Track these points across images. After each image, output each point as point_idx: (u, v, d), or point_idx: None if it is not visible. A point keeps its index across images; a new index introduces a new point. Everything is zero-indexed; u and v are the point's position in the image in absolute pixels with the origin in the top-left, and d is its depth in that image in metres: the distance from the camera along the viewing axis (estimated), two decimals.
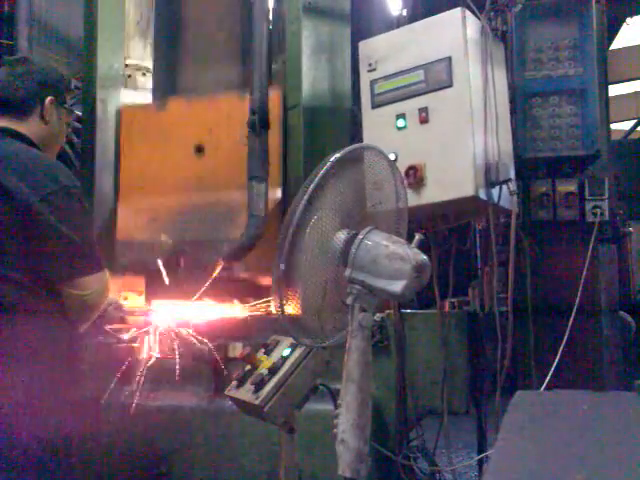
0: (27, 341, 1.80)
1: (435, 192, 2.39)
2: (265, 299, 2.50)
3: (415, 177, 2.38)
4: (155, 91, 3.48)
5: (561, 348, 2.51)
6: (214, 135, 3.16)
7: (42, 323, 1.83)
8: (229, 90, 3.25)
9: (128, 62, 3.52)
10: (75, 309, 1.88)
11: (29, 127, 1.98)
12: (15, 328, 1.79)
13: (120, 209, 3.24)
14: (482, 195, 2.35)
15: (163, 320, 2.65)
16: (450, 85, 2.40)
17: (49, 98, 2.01)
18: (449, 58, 2.40)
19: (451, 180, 2.36)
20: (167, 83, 3.42)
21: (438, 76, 2.42)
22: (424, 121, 2.44)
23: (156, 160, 3.21)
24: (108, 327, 2.54)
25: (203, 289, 2.62)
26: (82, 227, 1.88)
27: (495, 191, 2.40)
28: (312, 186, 1.50)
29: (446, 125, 2.40)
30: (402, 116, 2.49)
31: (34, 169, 1.84)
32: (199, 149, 3.17)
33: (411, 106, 2.47)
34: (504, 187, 2.42)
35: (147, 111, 3.36)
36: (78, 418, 1.95)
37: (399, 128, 2.50)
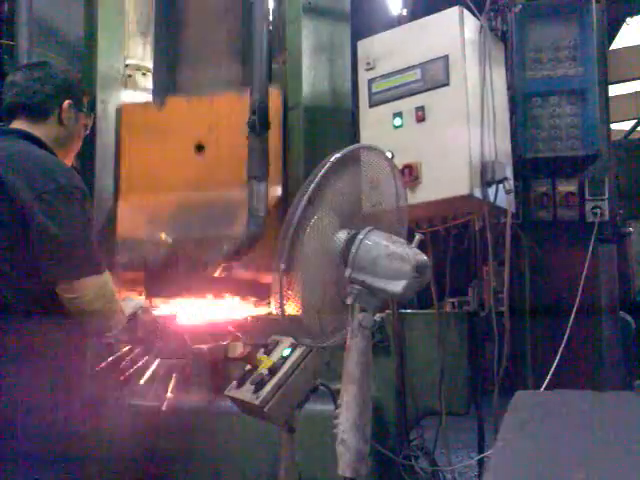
0: (21, 341, 1.79)
1: (430, 191, 2.39)
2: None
3: (411, 176, 2.39)
4: (155, 90, 3.48)
5: (561, 348, 2.51)
6: (214, 134, 3.15)
7: (37, 323, 1.82)
8: (228, 89, 3.25)
9: (128, 62, 3.52)
10: (74, 314, 1.85)
11: (46, 130, 1.99)
12: (9, 328, 1.78)
13: (120, 208, 3.23)
14: (477, 194, 2.35)
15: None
16: (447, 84, 2.40)
17: (67, 102, 2.03)
18: (446, 57, 2.40)
19: (446, 179, 2.36)
20: (167, 82, 3.41)
21: (435, 75, 2.42)
22: (421, 120, 2.44)
23: (155, 158, 3.21)
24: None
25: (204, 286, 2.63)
26: (78, 228, 1.85)
27: (491, 190, 2.40)
28: (312, 186, 1.50)
29: (442, 124, 2.40)
30: (399, 115, 2.50)
31: (33, 168, 1.84)
32: (199, 147, 3.17)
33: (408, 105, 2.48)
34: (500, 186, 2.42)
35: (147, 110, 3.35)
36: (79, 417, 1.95)
37: (396, 127, 2.50)
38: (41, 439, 1.79)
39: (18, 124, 1.99)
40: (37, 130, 1.98)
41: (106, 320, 1.97)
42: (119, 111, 3.34)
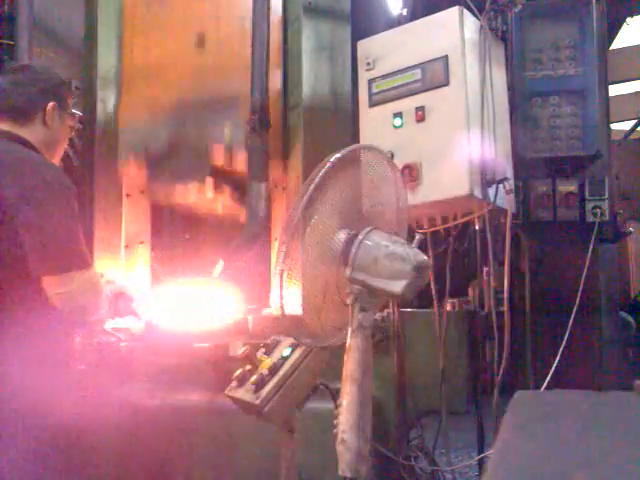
0: (12, 339, 1.81)
1: (431, 191, 2.39)
2: None
3: (411, 176, 2.39)
4: None
5: (561, 348, 2.51)
6: (215, 27, 3.23)
7: (26, 321, 1.83)
8: None
9: None
10: (60, 307, 1.86)
11: (30, 132, 2.01)
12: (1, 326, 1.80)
13: (123, 98, 3.30)
14: (477, 194, 2.35)
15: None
16: (446, 84, 2.40)
17: (51, 104, 2.04)
18: (446, 57, 2.40)
19: (446, 179, 2.36)
20: None
21: (435, 75, 2.42)
22: (421, 120, 2.44)
23: (157, 51, 3.26)
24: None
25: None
26: (65, 223, 1.87)
27: (491, 190, 2.40)
28: (312, 186, 1.50)
29: (442, 124, 2.40)
30: (399, 115, 2.50)
31: (18, 165, 1.86)
32: (200, 40, 3.22)
33: (408, 105, 2.48)
34: (500, 186, 2.42)
35: (149, 3, 3.34)
36: (73, 413, 1.96)
37: (396, 127, 2.50)
38: (40, 434, 1.80)
39: (4, 125, 2.00)
40: (22, 132, 2.00)
41: (89, 313, 2.00)
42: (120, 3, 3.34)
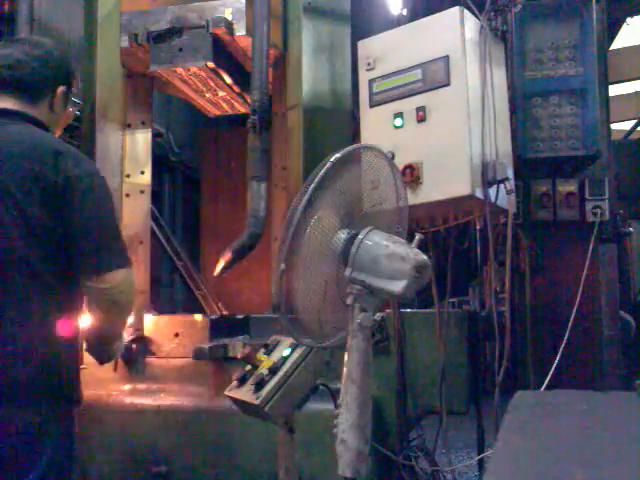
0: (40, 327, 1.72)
1: (431, 191, 2.39)
2: None
3: (412, 176, 2.39)
4: None
5: (561, 348, 2.52)
6: None
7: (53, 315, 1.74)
8: None
9: None
10: (101, 306, 1.80)
11: (38, 112, 1.86)
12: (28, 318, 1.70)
13: None
14: (478, 194, 2.35)
15: None
16: (447, 84, 2.40)
17: (61, 88, 1.91)
18: (446, 57, 2.40)
19: (447, 179, 2.36)
20: None
21: (435, 75, 2.42)
22: (421, 120, 2.44)
23: None
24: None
25: None
26: (112, 220, 1.84)
27: (492, 190, 2.40)
28: (312, 186, 1.50)
29: (443, 124, 2.40)
30: (400, 115, 2.50)
31: (77, 161, 1.77)
32: None
33: (409, 105, 2.48)
34: (501, 186, 2.42)
35: None
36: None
37: (396, 127, 2.50)
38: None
39: (11, 103, 1.83)
40: (32, 112, 1.85)
41: (124, 318, 1.92)
42: None
